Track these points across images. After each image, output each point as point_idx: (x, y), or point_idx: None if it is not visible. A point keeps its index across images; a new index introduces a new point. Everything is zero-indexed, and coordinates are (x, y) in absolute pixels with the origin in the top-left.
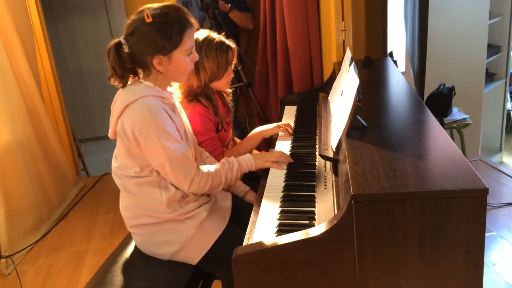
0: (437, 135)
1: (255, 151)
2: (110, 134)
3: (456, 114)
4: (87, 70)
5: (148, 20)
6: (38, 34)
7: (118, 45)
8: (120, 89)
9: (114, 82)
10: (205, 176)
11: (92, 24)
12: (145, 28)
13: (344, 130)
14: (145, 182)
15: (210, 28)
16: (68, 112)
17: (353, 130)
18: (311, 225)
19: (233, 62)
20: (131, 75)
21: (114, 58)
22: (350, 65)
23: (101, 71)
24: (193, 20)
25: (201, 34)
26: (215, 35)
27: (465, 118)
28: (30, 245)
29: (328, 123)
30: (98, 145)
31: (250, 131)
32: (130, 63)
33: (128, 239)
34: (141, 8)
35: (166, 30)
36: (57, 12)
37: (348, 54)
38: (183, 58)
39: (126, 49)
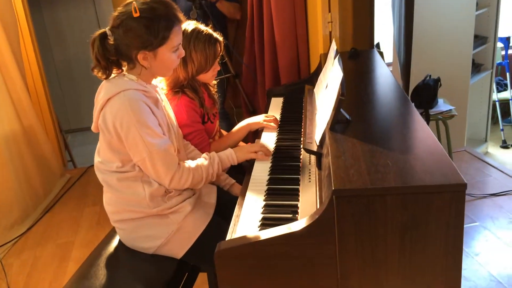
0: (419, 129)
1: (241, 143)
2: (93, 127)
3: (442, 105)
4: (74, 60)
5: (136, 15)
6: (22, 24)
7: (103, 36)
8: (103, 82)
9: (98, 74)
10: (186, 172)
11: (78, 14)
12: (132, 23)
13: (327, 124)
14: (127, 177)
15: (196, 19)
16: (55, 102)
17: (337, 123)
18: (294, 219)
19: (220, 55)
20: (115, 67)
21: (98, 49)
22: (335, 57)
23: (88, 62)
24: (182, 17)
25: (189, 26)
26: (203, 27)
27: (450, 110)
28: (15, 238)
29: (313, 116)
30: (85, 136)
31: (238, 122)
32: (115, 55)
33: (112, 233)
34: (129, 1)
35: (153, 26)
36: (43, 1)
37: (333, 46)
38: (169, 54)
39: (111, 40)
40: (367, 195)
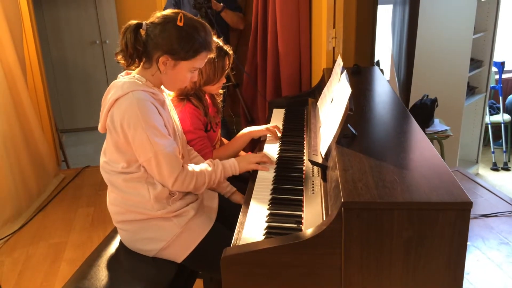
0: (423, 146)
1: (241, 152)
2: (99, 127)
3: (438, 125)
4: (71, 61)
5: (179, 24)
6: (25, 22)
7: (138, 26)
8: (112, 83)
9: (120, 60)
10: (190, 175)
11: (79, 14)
12: (171, 27)
13: (334, 137)
14: (132, 178)
15: None
16: (50, 102)
17: (343, 137)
18: (298, 229)
19: (228, 68)
20: (137, 59)
21: (131, 36)
22: (341, 73)
23: (85, 62)
24: (215, 48)
25: None
26: (215, 39)
27: (446, 130)
28: (7, 236)
29: (317, 129)
30: (79, 137)
31: (237, 130)
32: (142, 48)
33: (112, 234)
34: (177, 11)
35: (187, 41)
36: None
37: (339, 62)
38: (186, 71)
39: (143, 33)
40: (375, 209)
